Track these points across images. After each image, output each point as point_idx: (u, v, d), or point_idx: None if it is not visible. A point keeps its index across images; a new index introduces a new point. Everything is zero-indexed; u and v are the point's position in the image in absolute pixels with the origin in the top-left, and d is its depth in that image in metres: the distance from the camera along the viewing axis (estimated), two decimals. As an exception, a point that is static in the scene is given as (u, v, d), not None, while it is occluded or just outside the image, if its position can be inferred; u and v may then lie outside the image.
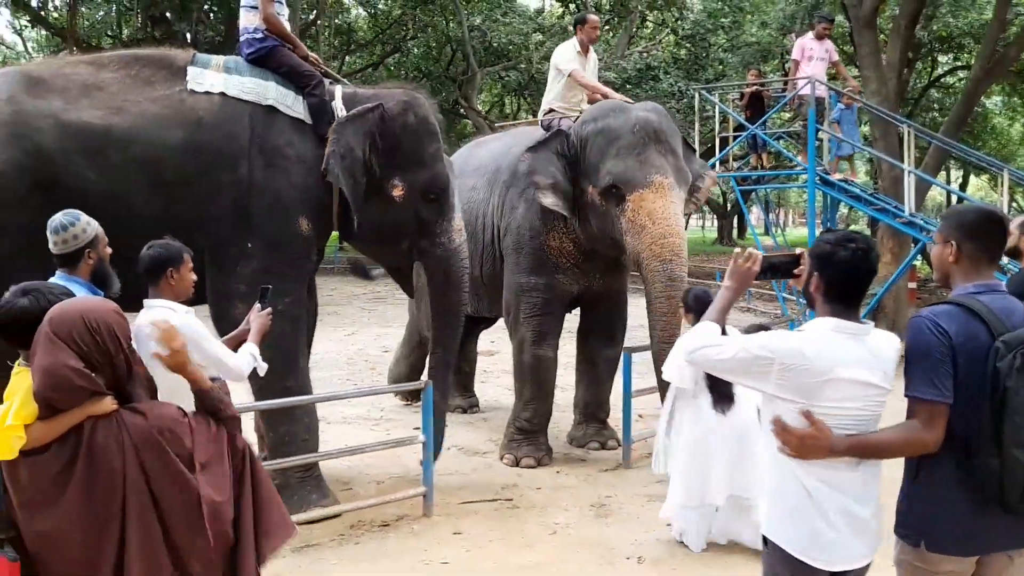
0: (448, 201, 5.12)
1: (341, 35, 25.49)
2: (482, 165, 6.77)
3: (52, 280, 3.30)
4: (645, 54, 21.86)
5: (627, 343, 6.52)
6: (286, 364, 4.67)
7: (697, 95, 11.49)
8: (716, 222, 41.88)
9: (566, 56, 6.15)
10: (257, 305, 3.47)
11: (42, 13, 21.10)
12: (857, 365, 2.25)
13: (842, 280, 2.31)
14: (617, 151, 5.47)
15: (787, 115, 12.10)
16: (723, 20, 21.04)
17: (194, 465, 2.33)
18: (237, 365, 3.20)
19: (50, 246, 3.30)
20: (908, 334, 2.29)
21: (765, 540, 2.41)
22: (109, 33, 21.23)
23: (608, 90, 6.21)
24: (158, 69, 4.86)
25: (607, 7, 22.32)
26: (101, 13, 21.87)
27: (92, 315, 2.26)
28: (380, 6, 24.68)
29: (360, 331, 12.50)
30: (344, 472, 5.64)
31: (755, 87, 10.92)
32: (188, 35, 19.77)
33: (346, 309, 14.99)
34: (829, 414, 2.24)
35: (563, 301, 6.21)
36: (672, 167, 5.50)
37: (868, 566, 2.37)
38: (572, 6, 23.70)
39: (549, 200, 5.65)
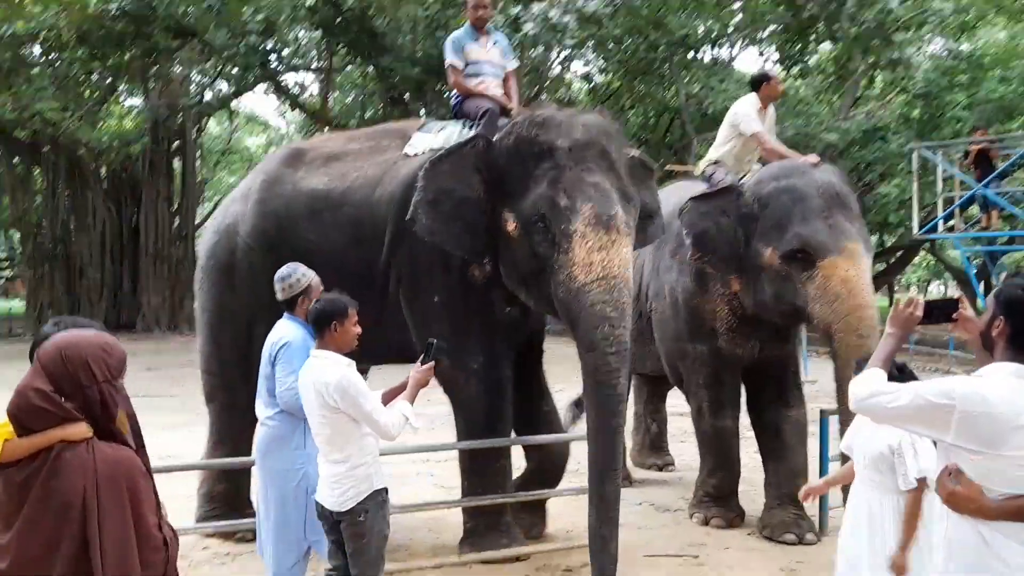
0: (559, 228, 4.25)
1: (563, 107, 26.58)
2: None
3: (280, 321, 4.00)
4: (872, 115, 21.02)
5: (821, 405, 6.32)
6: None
7: (916, 154, 10.96)
8: (959, 289, 38.59)
9: (748, 114, 5.91)
10: (419, 359, 3.52)
11: (299, 99, 23.90)
12: None
13: None
14: (804, 214, 5.09)
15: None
16: (960, 77, 19.85)
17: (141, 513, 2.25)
18: (387, 424, 3.30)
19: (276, 293, 4.02)
20: None
21: None
22: (356, 114, 23.57)
23: (793, 152, 5.88)
24: (395, 138, 5.39)
25: (829, 69, 21.78)
26: (349, 98, 24.44)
27: (69, 345, 2.24)
28: (599, 79, 25.59)
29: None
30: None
31: (982, 145, 10.27)
32: (423, 114, 21.59)
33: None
34: (1012, 463, 2.14)
35: (734, 368, 5.83)
36: (859, 233, 5.15)
37: None
38: (794, 70, 23.35)
39: (697, 258, 5.38)
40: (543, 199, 4.31)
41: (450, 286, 4.91)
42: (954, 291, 29.80)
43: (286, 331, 3.96)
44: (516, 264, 4.57)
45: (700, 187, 6.09)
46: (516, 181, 4.47)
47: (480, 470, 5.02)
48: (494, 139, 4.68)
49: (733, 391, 5.90)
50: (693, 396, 5.96)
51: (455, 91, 5.37)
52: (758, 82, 6.10)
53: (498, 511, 5.04)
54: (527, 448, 5.47)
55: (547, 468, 5.41)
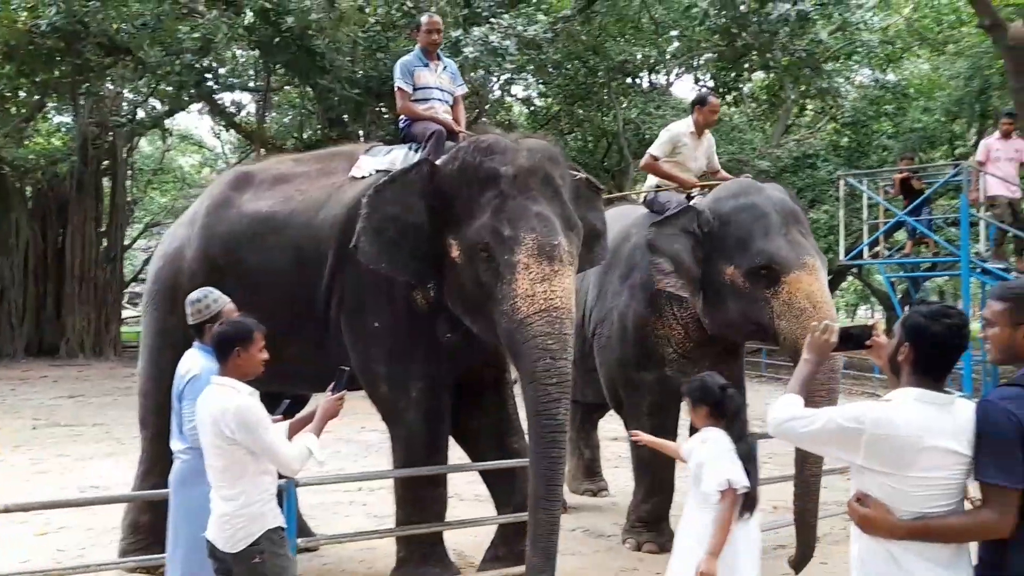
0: (503, 259, 4.22)
1: (502, 130, 26.80)
2: None
3: (188, 352, 3.86)
4: (802, 142, 21.65)
5: (763, 429, 6.38)
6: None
7: (842, 182, 11.31)
8: (884, 314, 39.80)
9: (660, 139, 6.04)
10: (330, 388, 3.39)
11: (235, 119, 23.53)
12: (944, 435, 2.25)
13: (933, 354, 2.33)
14: (765, 230, 5.09)
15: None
16: (886, 107, 20.61)
17: None
18: (289, 456, 3.14)
19: (187, 318, 3.90)
20: (978, 418, 2.28)
21: None
22: (293, 135, 23.31)
23: (691, 178, 5.95)
24: (342, 161, 5.33)
25: (763, 97, 22.38)
26: (287, 118, 24.18)
27: None
28: (538, 103, 25.84)
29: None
30: (469, 545, 5.78)
31: (905, 173, 10.64)
32: (361, 135, 21.46)
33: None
34: (918, 484, 2.25)
35: (677, 396, 5.58)
36: (814, 248, 5.21)
37: None
38: (729, 97, 23.92)
39: (670, 283, 5.29)
40: (487, 228, 4.27)
41: (392, 311, 4.84)
42: (879, 316, 30.69)
43: (193, 363, 3.76)
44: (461, 290, 4.52)
45: (641, 211, 6.12)
46: (460, 207, 4.44)
47: (416, 499, 4.91)
48: (439, 164, 4.66)
49: (675, 418, 5.88)
50: (634, 422, 5.82)
51: (402, 115, 5.37)
52: (697, 104, 6.16)
53: (433, 541, 4.94)
54: (497, 491, 5.25)
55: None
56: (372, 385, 5.01)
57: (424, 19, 5.55)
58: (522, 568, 4.29)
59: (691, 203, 5.67)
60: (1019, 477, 2.19)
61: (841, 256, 11.18)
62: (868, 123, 20.84)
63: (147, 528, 5.16)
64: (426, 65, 5.37)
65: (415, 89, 5.30)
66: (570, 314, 4.22)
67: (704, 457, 3.58)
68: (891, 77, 21.59)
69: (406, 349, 4.86)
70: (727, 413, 3.67)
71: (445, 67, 5.49)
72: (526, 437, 4.61)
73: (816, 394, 4.43)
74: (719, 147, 19.21)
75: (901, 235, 11.67)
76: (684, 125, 6.11)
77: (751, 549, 3.64)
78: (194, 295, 3.86)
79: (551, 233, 4.24)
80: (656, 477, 5.90)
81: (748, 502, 3.56)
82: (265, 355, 3.29)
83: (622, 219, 6.17)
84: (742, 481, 3.49)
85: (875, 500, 2.29)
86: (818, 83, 17.05)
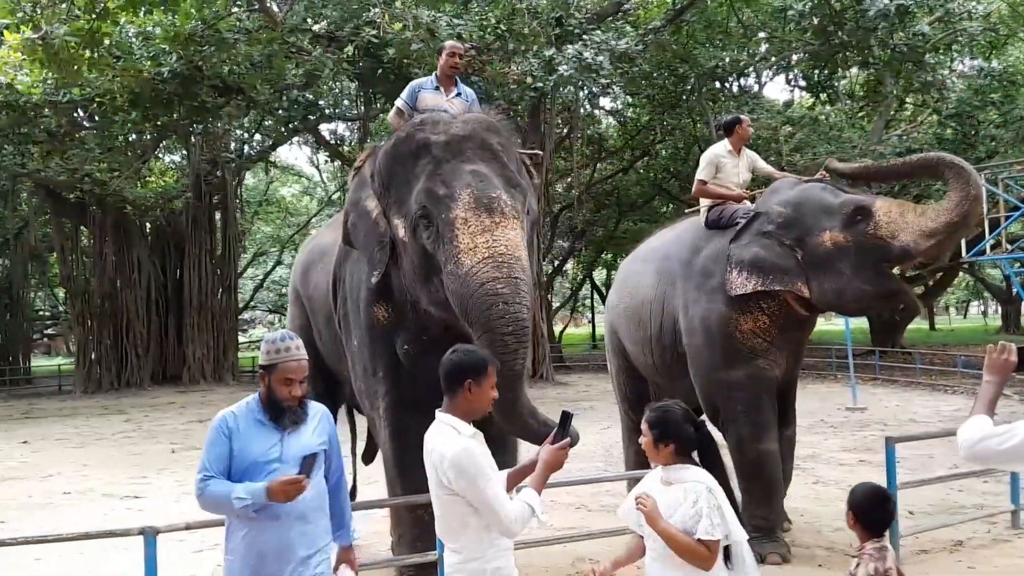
0: (440, 219, 4.09)
1: (592, 144, 26.99)
2: (652, 251, 6.97)
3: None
4: (904, 137, 21.08)
5: (889, 432, 6.37)
6: None
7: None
8: (1000, 309, 38.12)
9: (705, 160, 6.43)
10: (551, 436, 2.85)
11: (339, 148, 24.42)
12: None
13: None
14: (833, 192, 5.69)
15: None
16: (992, 95, 19.87)
17: None
18: (509, 517, 2.69)
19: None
20: None
21: None
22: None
23: (735, 192, 6.31)
24: None
25: (860, 94, 21.90)
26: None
27: None
28: (629, 114, 25.91)
29: (615, 425, 12.87)
30: (606, 555, 5.91)
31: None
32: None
33: (600, 404, 15.45)
34: None
35: (771, 389, 5.91)
36: None
37: None
38: (823, 96, 23.48)
39: (751, 285, 5.64)
40: (422, 192, 4.19)
41: (361, 327, 4.90)
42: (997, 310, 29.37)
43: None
44: (413, 269, 4.40)
45: (698, 225, 6.48)
46: (400, 184, 4.40)
47: (398, 521, 5.02)
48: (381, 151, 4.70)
49: (773, 413, 5.93)
50: (733, 425, 5.88)
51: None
52: (730, 127, 6.51)
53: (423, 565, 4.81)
54: None
55: None
56: (362, 401, 5.20)
57: (448, 44, 5.52)
58: None
59: (753, 209, 6.01)
60: None
61: (963, 252, 10.84)
62: (973, 114, 20.13)
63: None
64: (436, 88, 5.31)
65: (415, 110, 5.17)
66: (519, 261, 3.97)
67: (703, 507, 2.84)
68: (995, 65, 20.81)
69: (373, 367, 4.89)
70: (700, 446, 3.01)
71: (459, 93, 5.38)
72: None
73: None
74: (817, 147, 18.91)
75: (1014, 228, 11.28)
76: (721, 147, 6.48)
77: None
78: (273, 336, 3.18)
79: (488, 187, 4.10)
80: (765, 481, 5.83)
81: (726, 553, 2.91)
82: (495, 393, 2.86)
83: (691, 232, 6.52)
84: (742, 537, 2.94)
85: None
86: (921, 76, 16.58)
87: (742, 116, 6.65)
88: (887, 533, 3.06)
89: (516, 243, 4.01)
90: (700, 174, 6.41)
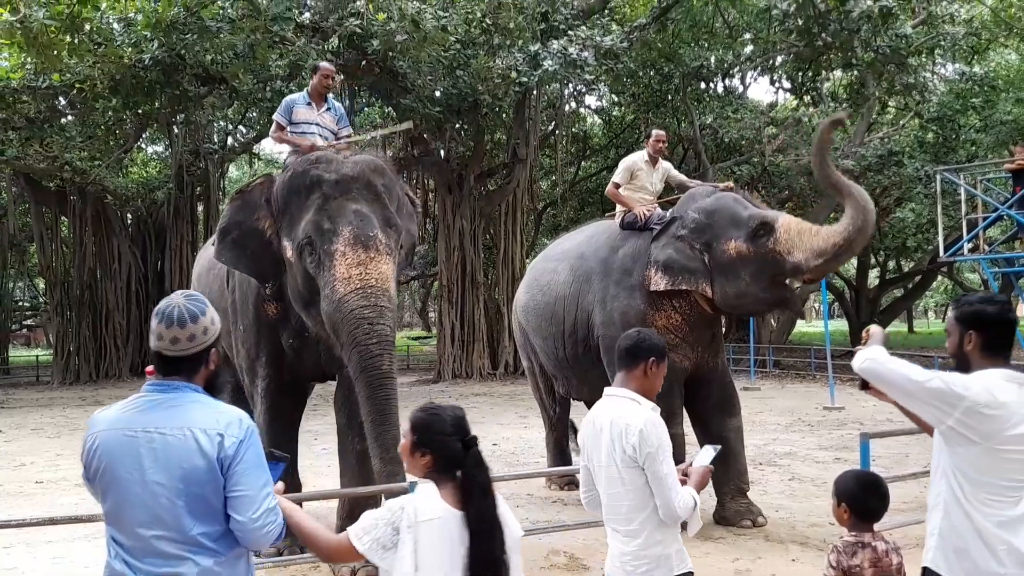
0: (323, 249, 4.72)
1: (578, 142, 27.00)
2: (566, 251, 7.52)
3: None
4: (887, 140, 21.22)
5: (849, 431, 6.42)
6: None
7: (938, 177, 11.11)
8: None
9: (620, 168, 7.01)
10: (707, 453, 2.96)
11: (322, 141, 24.27)
12: None
13: (995, 334, 2.55)
14: (743, 204, 6.22)
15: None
16: (973, 100, 20.05)
17: None
18: (678, 502, 2.69)
19: None
20: None
21: (926, 573, 2.58)
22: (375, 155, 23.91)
23: (635, 204, 6.78)
24: None
25: (843, 96, 22.01)
26: (369, 137, 24.80)
27: None
28: (614, 113, 25.94)
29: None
30: (579, 548, 5.92)
31: (1020, 163, 10.34)
32: (442, 152, 21.91)
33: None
34: (1009, 457, 2.42)
35: (680, 379, 6.39)
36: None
37: None
38: (807, 98, 23.58)
39: (666, 282, 6.18)
40: (310, 223, 4.83)
41: (249, 318, 5.60)
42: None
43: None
44: (297, 288, 5.05)
45: (613, 227, 7.05)
46: (292, 212, 5.02)
47: None
48: (276, 177, 5.32)
49: (680, 402, 6.47)
50: None
51: (275, 142, 6.31)
52: (647, 139, 7.23)
53: None
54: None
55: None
56: (243, 378, 5.84)
57: (322, 65, 6.17)
58: None
59: (670, 214, 6.54)
60: None
61: (941, 253, 10.92)
62: (955, 118, 20.31)
63: None
64: (309, 104, 6.00)
65: (291, 123, 5.92)
66: (386, 293, 4.66)
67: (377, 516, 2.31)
68: (977, 70, 20.99)
69: (257, 352, 5.60)
70: (463, 467, 2.33)
71: (329, 108, 6.09)
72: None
73: None
74: (800, 148, 19.00)
75: (992, 231, 11.37)
76: (639, 156, 7.11)
77: None
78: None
79: (368, 226, 4.77)
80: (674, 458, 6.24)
81: None
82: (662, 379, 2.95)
83: (606, 234, 7.10)
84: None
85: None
86: (903, 79, 16.69)
87: (654, 129, 7.39)
88: (874, 527, 2.92)
89: (386, 276, 4.70)
90: (616, 178, 6.97)
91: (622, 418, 2.74)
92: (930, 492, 2.65)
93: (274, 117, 5.99)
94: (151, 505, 2.18)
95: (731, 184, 6.62)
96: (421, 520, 2.22)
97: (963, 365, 2.58)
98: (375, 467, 4.59)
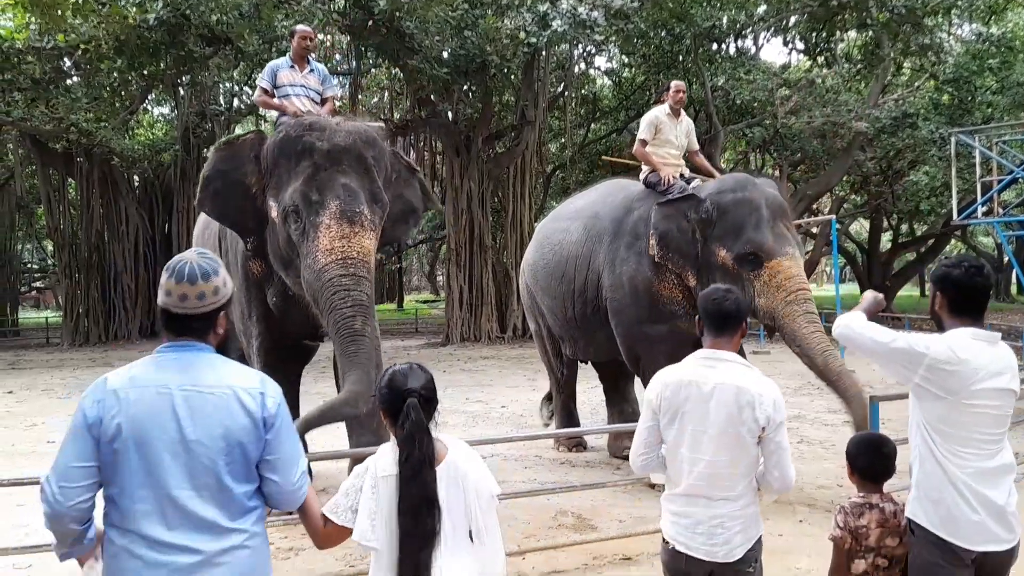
0: (309, 219, 4.91)
1: (587, 104, 26.71)
2: (578, 210, 7.38)
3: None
4: (901, 101, 20.91)
5: (872, 392, 6.38)
6: None
7: (953, 139, 10.94)
8: (994, 276, 38.27)
9: (644, 122, 6.82)
10: None
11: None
12: (998, 370, 2.59)
13: (961, 296, 2.66)
14: (757, 223, 5.92)
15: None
16: (990, 61, 19.70)
17: None
18: (792, 472, 2.80)
19: None
20: None
21: (911, 525, 2.69)
22: (383, 116, 23.77)
23: (658, 161, 6.62)
24: None
25: (858, 56, 21.68)
26: (376, 99, 24.63)
27: None
28: (624, 74, 25.61)
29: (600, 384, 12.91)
30: (587, 509, 5.98)
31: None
32: (449, 114, 21.72)
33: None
34: (973, 412, 2.57)
35: (688, 346, 6.19)
36: (795, 239, 6.07)
37: (1012, 553, 2.61)
38: (821, 59, 23.24)
39: (662, 255, 6.16)
40: (298, 193, 4.97)
41: (239, 277, 5.72)
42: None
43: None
44: (277, 247, 5.24)
45: (639, 187, 6.82)
46: (281, 174, 5.14)
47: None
48: (268, 134, 5.43)
49: None
50: (651, 374, 6.00)
51: (259, 106, 6.47)
52: (663, 92, 6.98)
53: None
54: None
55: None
56: (240, 339, 6.02)
57: (298, 28, 6.23)
58: None
59: (692, 189, 6.39)
60: None
61: (954, 216, 10.79)
62: (971, 79, 19.97)
63: None
64: (292, 67, 6.06)
65: (276, 87, 5.96)
66: (366, 264, 4.87)
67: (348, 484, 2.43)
68: (994, 30, 20.61)
69: (249, 311, 5.83)
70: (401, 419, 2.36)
71: (312, 70, 6.14)
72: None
73: None
74: (814, 109, 18.75)
75: (1007, 195, 11.23)
76: (660, 110, 6.87)
77: None
78: None
79: (354, 202, 4.96)
80: None
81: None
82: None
83: (623, 191, 7.00)
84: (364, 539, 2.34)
85: None
86: (919, 39, 16.39)
87: (673, 81, 7.10)
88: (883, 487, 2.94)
89: (368, 250, 4.90)
90: (642, 134, 6.78)
91: (752, 386, 2.71)
92: (910, 447, 2.76)
93: (258, 82, 6.09)
94: (189, 465, 2.09)
95: (776, 176, 6.57)
96: (380, 476, 2.33)
97: (938, 324, 2.73)
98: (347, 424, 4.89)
